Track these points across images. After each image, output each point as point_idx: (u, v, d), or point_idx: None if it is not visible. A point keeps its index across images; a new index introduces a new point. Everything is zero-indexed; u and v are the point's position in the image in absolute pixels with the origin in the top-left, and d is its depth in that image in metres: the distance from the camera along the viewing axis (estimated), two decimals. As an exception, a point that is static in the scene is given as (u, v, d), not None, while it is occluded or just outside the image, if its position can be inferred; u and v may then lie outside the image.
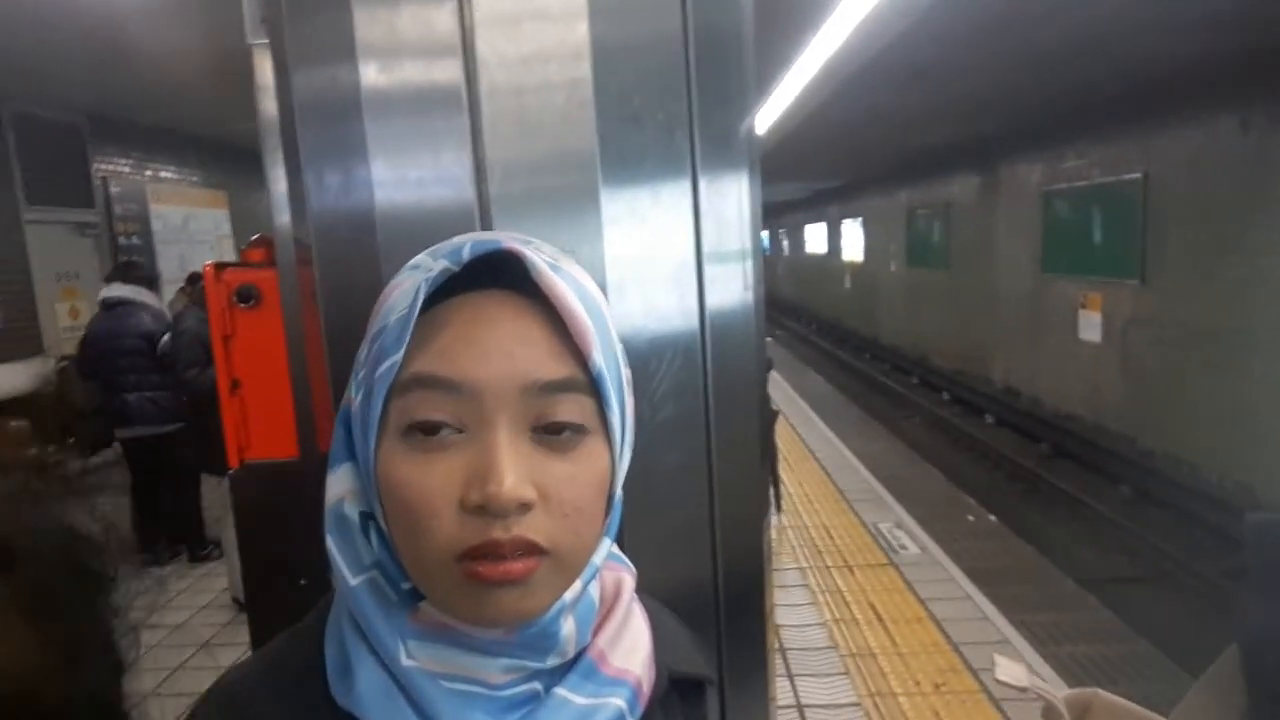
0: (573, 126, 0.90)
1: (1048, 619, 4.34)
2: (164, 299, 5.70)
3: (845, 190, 19.86)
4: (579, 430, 0.51)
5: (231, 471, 2.24)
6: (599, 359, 0.51)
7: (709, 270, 0.98)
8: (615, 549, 0.62)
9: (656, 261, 0.96)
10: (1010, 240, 11.36)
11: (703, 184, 0.96)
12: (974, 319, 12.72)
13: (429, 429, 0.49)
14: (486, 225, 0.90)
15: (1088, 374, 9.56)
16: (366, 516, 0.53)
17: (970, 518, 6.13)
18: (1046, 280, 10.41)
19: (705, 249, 0.98)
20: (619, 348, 0.56)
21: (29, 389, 6.85)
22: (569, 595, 0.53)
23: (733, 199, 0.99)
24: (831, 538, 4.96)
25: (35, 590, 0.42)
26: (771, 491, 5.01)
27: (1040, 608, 4.46)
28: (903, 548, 4.76)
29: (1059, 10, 5.39)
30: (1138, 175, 8.35)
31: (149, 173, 9.09)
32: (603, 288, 0.62)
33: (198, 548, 5.15)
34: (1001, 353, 11.94)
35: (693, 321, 0.98)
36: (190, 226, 9.69)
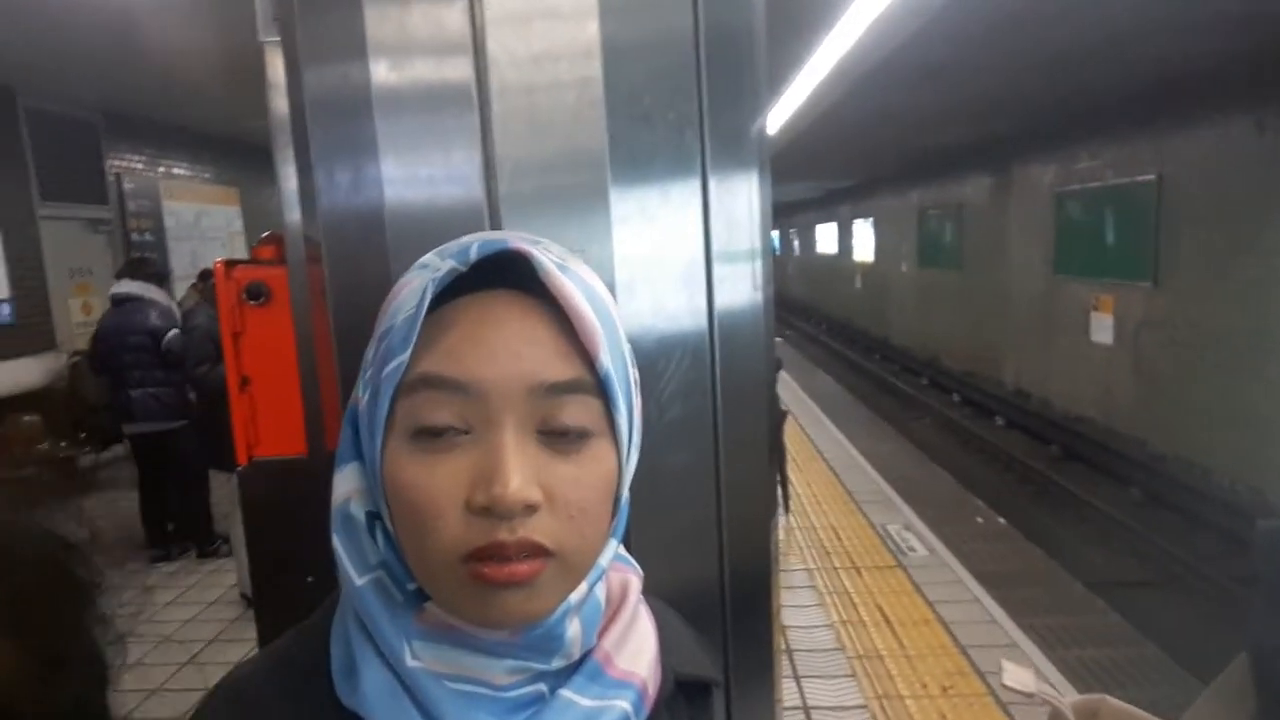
0: (583, 125, 0.90)
1: (1056, 622, 4.32)
2: (176, 295, 5.74)
3: (857, 190, 19.82)
4: (585, 433, 0.51)
5: (240, 468, 2.25)
6: (606, 360, 0.51)
7: (718, 270, 0.98)
8: (622, 550, 0.61)
9: (665, 261, 0.96)
10: (1022, 241, 11.32)
11: (712, 183, 0.96)
12: (985, 320, 12.68)
13: (435, 433, 0.49)
14: (496, 224, 0.90)
15: (1099, 376, 9.51)
16: (373, 516, 0.53)
17: (979, 520, 6.11)
18: (1058, 282, 10.36)
19: (715, 249, 0.97)
20: (627, 348, 0.55)
21: (42, 384, 6.91)
22: (574, 597, 0.53)
23: (742, 199, 0.98)
24: (839, 539, 4.95)
25: (13, 600, 0.41)
26: (780, 492, 5.00)
27: (1049, 611, 4.45)
28: (911, 549, 4.75)
29: (1072, 10, 5.36)
30: (1151, 176, 8.30)
31: (162, 169, 9.14)
32: (611, 287, 0.62)
33: (205, 544, 5.18)
34: (1012, 354, 11.89)
35: (701, 321, 0.97)
36: (202, 223, 9.74)
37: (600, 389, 0.51)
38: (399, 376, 0.50)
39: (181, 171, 9.53)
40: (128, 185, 8.42)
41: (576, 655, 0.55)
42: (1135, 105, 8.25)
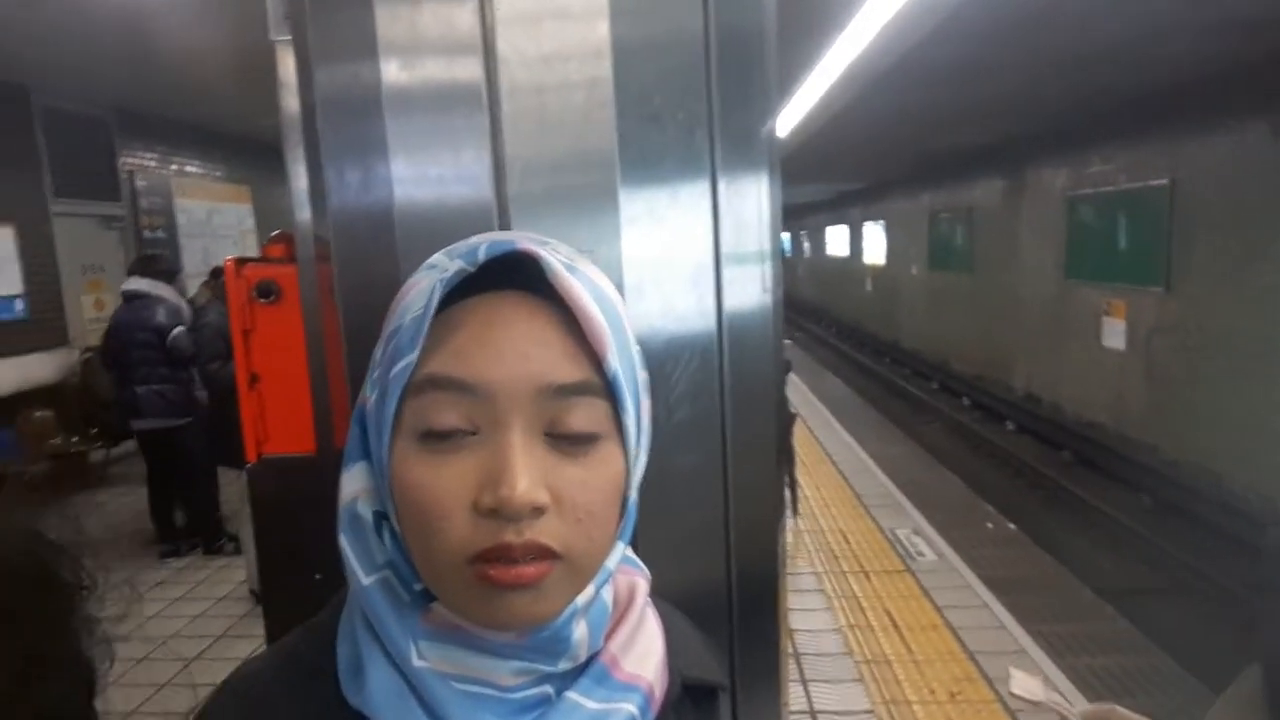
0: (593, 125, 0.90)
1: (1065, 629, 4.29)
2: (188, 292, 5.77)
3: (868, 192, 19.77)
4: (593, 436, 0.51)
5: (249, 465, 2.25)
6: (614, 362, 0.51)
7: (727, 272, 0.97)
8: (629, 552, 0.61)
9: (675, 262, 0.96)
10: (1034, 245, 11.26)
11: (722, 185, 0.96)
12: (996, 324, 12.62)
13: (443, 434, 0.49)
14: (505, 224, 0.90)
15: (1111, 381, 9.46)
16: (380, 516, 0.53)
17: (989, 525, 6.08)
18: (1070, 286, 10.31)
19: (724, 250, 0.97)
20: (635, 350, 0.55)
21: (55, 379, 6.96)
22: (581, 599, 0.52)
23: (752, 200, 0.98)
24: (848, 542, 4.94)
25: None
26: (788, 495, 4.99)
27: (1058, 617, 4.42)
28: (920, 554, 4.73)
29: (1087, 12, 5.33)
30: (1164, 181, 8.25)
31: (174, 167, 9.20)
32: (620, 288, 0.62)
33: (211, 541, 5.20)
34: (1023, 359, 11.83)
35: (710, 323, 0.97)
36: (214, 221, 9.79)
37: (608, 391, 0.51)
38: (407, 377, 0.49)
39: (193, 169, 9.59)
40: (140, 182, 8.47)
41: (583, 657, 0.55)
42: (1149, 109, 8.20)
